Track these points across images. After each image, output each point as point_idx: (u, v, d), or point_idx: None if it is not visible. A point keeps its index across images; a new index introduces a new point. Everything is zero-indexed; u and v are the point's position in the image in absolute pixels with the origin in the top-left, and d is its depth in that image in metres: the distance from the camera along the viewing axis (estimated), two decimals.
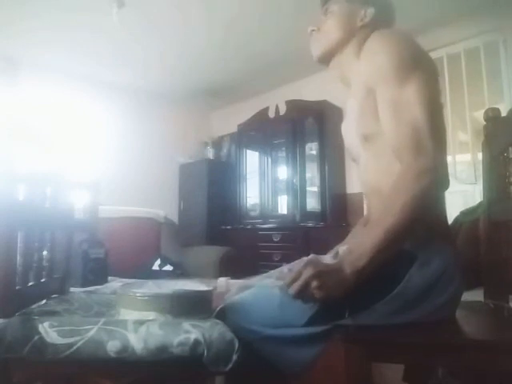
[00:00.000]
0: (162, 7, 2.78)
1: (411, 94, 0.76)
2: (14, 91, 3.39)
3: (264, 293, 0.83)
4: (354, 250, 0.74)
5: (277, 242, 3.44)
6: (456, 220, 1.28)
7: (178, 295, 0.79)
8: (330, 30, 0.98)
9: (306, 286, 0.69)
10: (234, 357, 0.68)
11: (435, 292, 0.77)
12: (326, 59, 1.00)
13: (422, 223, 0.76)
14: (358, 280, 0.71)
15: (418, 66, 0.78)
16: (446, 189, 0.78)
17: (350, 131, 0.97)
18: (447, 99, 2.94)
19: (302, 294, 0.70)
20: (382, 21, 0.97)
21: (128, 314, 0.76)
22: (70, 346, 0.67)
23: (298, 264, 0.77)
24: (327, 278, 0.69)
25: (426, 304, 0.76)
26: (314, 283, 0.68)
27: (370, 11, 0.95)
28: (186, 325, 0.70)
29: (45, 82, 3.59)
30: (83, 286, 1.38)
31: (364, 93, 0.85)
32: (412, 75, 0.77)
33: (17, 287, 0.79)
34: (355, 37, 0.96)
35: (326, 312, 0.74)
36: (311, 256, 0.78)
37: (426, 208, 0.74)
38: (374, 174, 0.88)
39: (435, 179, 0.73)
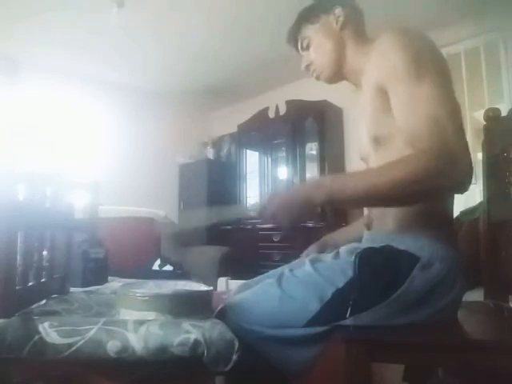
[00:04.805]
0: (161, 7, 2.78)
1: (428, 89, 0.72)
2: (14, 91, 3.38)
3: (264, 293, 0.83)
4: (336, 185, 0.76)
5: (277, 242, 3.44)
6: (456, 220, 1.28)
7: (178, 295, 0.79)
8: (320, 53, 0.98)
9: (273, 217, 0.79)
10: (234, 357, 0.68)
11: (436, 295, 0.76)
12: (336, 78, 1.01)
13: (423, 219, 0.75)
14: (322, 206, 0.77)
15: (432, 62, 0.77)
16: (464, 190, 0.71)
17: (360, 130, 0.97)
18: None
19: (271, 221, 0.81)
20: (356, 11, 0.98)
21: (128, 314, 0.76)
22: (70, 346, 0.67)
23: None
24: (293, 209, 0.78)
25: (427, 307, 0.76)
26: (280, 215, 0.78)
27: (338, 11, 0.95)
28: (186, 325, 0.70)
29: (45, 82, 3.59)
30: (83, 286, 1.38)
31: (375, 93, 0.83)
32: (427, 71, 0.74)
33: (17, 287, 0.79)
34: (346, 40, 0.95)
35: (328, 312, 0.74)
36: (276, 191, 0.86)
37: (424, 194, 0.71)
38: None
39: (457, 169, 0.67)
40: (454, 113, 0.73)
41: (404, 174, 0.69)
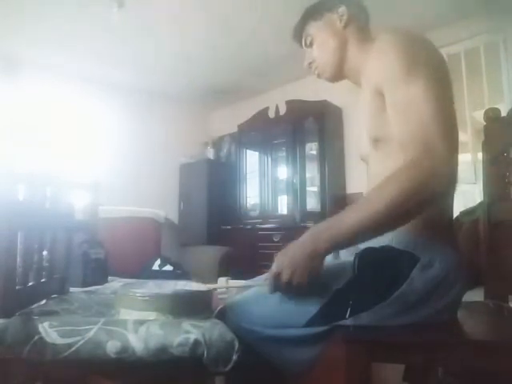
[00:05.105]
0: (161, 7, 2.78)
1: (420, 92, 0.73)
2: (14, 91, 3.38)
3: (264, 293, 0.83)
4: (332, 226, 0.74)
5: (277, 242, 3.44)
6: (456, 220, 1.28)
7: (178, 295, 0.79)
8: (323, 51, 0.98)
9: (279, 282, 0.73)
10: (234, 357, 0.68)
11: (436, 295, 0.76)
12: (338, 76, 1.00)
13: (422, 220, 0.76)
14: (329, 252, 0.75)
15: (429, 65, 0.76)
16: (453, 190, 0.74)
17: (360, 130, 0.97)
18: None
19: (280, 289, 0.75)
20: (360, 10, 0.98)
21: (128, 314, 0.76)
22: (70, 346, 0.67)
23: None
24: (300, 269, 0.72)
25: (427, 307, 0.76)
26: (286, 276, 0.72)
27: (342, 9, 0.95)
28: (186, 325, 0.70)
29: (45, 82, 3.59)
30: (83, 285, 1.38)
31: (373, 93, 0.83)
32: (420, 73, 0.74)
33: (17, 287, 0.79)
34: (348, 39, 0.95)
35: (327, 312, 0.74)
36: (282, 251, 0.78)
37: (423, 204, 0.71)
38: (383, 176, 0.87)
39: (439, 176, 0.69)
40: (445, 117, 0.73)
41: (398, 191, 0.69)
